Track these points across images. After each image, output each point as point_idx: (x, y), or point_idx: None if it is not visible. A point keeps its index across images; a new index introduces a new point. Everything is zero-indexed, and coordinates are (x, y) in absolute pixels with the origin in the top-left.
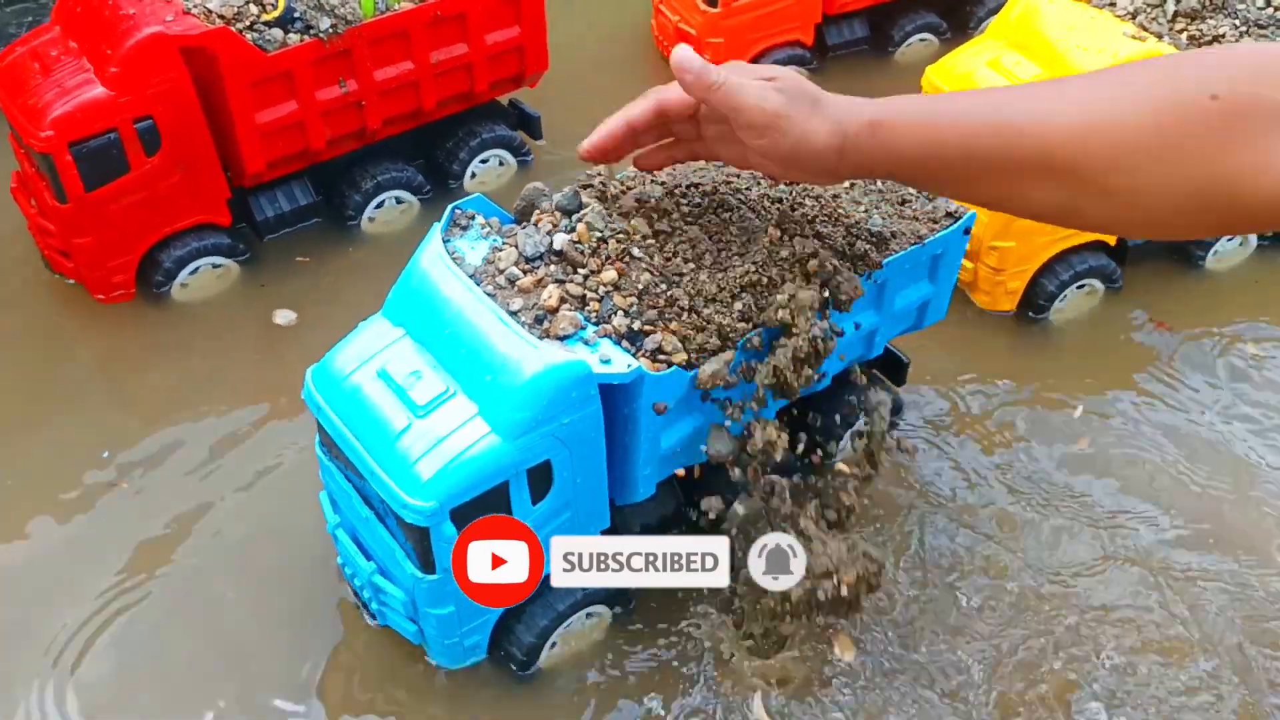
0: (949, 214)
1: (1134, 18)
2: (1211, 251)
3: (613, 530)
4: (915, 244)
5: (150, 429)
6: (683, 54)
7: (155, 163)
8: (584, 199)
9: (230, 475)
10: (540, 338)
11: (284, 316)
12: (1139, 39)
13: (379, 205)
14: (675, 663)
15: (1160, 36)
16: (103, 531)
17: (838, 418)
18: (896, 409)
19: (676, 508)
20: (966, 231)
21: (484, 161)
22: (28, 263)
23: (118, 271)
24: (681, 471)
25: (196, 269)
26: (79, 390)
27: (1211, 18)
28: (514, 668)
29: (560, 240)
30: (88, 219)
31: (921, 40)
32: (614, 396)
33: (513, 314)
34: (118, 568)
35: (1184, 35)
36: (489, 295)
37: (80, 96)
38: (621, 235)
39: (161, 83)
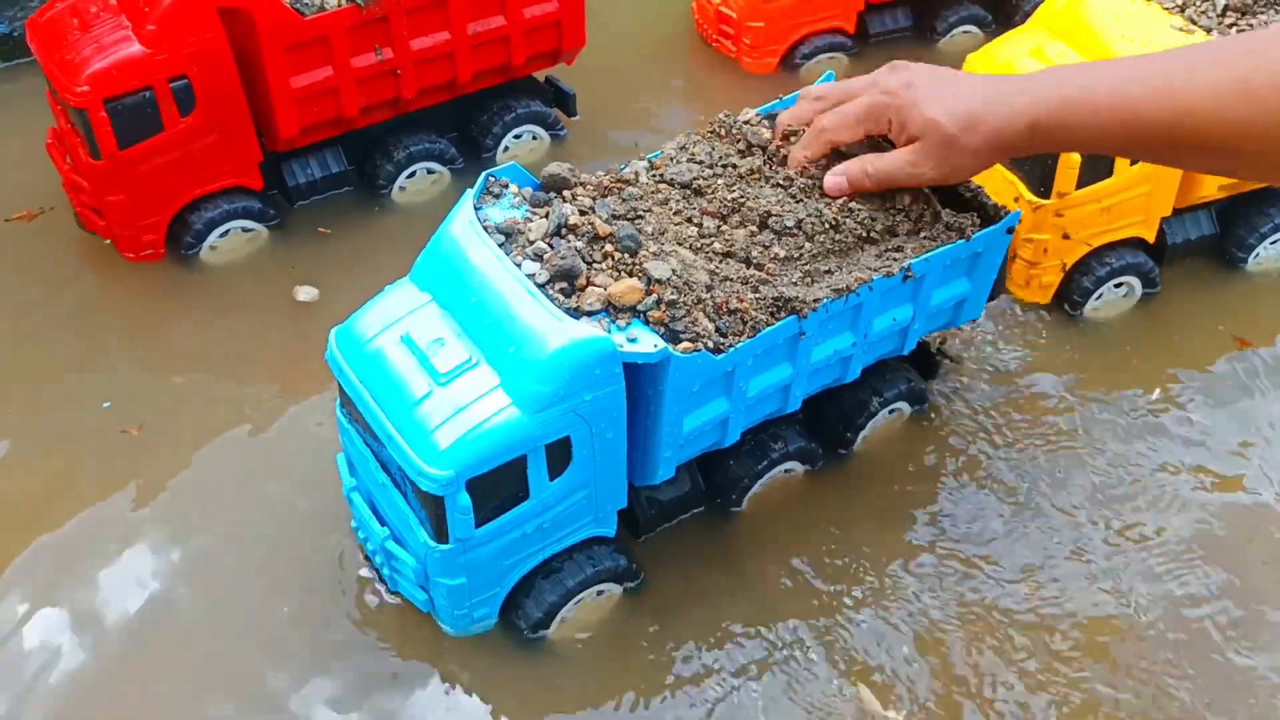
0: (990, 216)
1: (1182, 10)
2: (1254, 254)
3: (628, 510)
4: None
5: (167, 388)
6: (832, 184)
7: (189, 123)
8: (620, 177)
9: (241, 439)
10: (568, 312)
11: (306, 293)
12: (1186, 32)
13: (410, 175)
14: (687, 641)
15: (1209, 30)
16: (105, 479)
17: (871, 398)
18: (920, 400)
19: (694, 490)
20: (1009, 231)
21: (518, 136)
22: (61, 220)
23: (148, 231)
24: None
25: (226, 232)
26: (101, 347)
27: (1263, 12)
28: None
29: (593, 216)
30: (120, 177)
31: (966, 32)
32: (638, 377)
33: (540, 286)
34: (115, 516)
35: (1234, 29)
36: (517, 265)
37: (117, 53)
38: (655, 216)
39: (198, 42)
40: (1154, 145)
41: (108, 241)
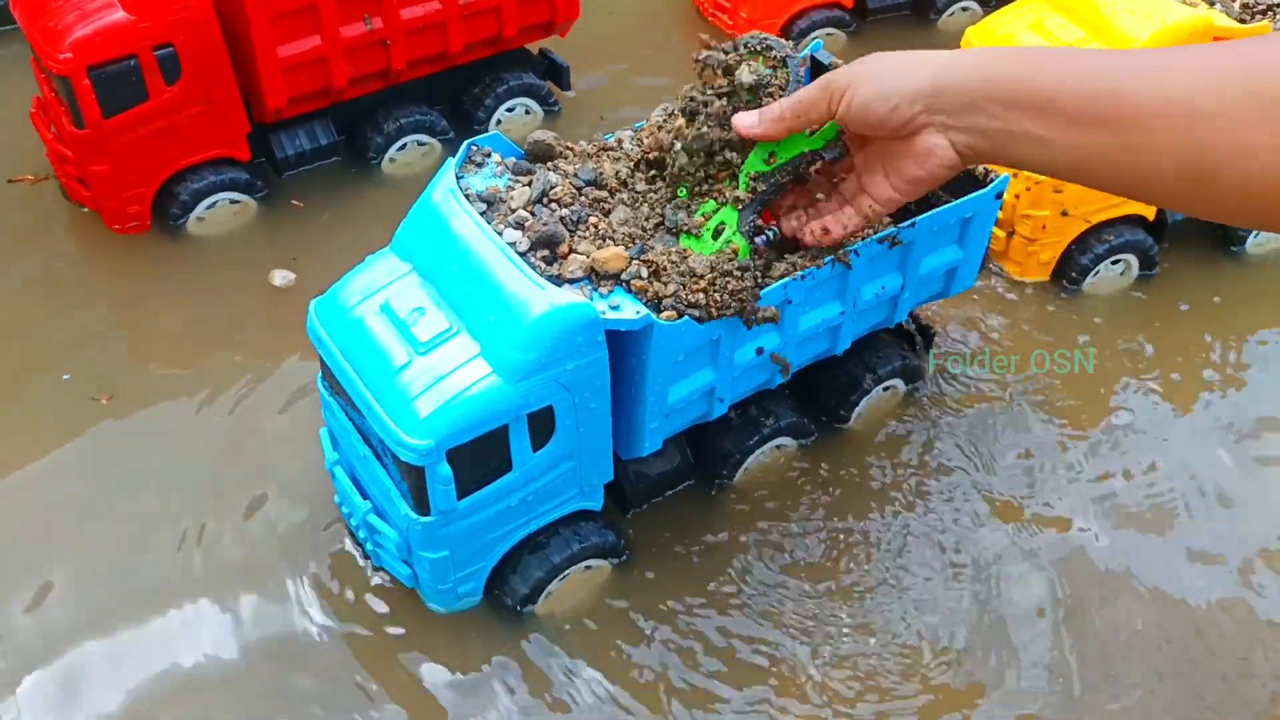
0: (979, 180)
1: None
2: (1254, 234)
3: (616, 485)
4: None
5: (149, 359)
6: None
7: (175, 92)
8: (605, 145)
9: (219, 410)
10: (550, 279)
11: (282, 277)
12: (1189, 4)
13: (401, 147)
14: (674, 615)
15: (1211, 3)
16: (70, 447)
17: (864, 374)
18: (915, 377)
19: (683, 464)
20: (998, 196)
21: (510, 109)
22: (46, 191)
23: (134, 202)
24: None
25: (214, 204)
26: (84, 318)
27: None
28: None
29: (577, 182)
30: (105, 146)
31: (964, 9)
32: (622, 345)
33: (522, 254)
34: (86, 486)
35: (1236, 3)
36: (498, 233)
37: (101, 20)
38: (634, 184)
39: (183, 9)
40: None
41: (91, 211)
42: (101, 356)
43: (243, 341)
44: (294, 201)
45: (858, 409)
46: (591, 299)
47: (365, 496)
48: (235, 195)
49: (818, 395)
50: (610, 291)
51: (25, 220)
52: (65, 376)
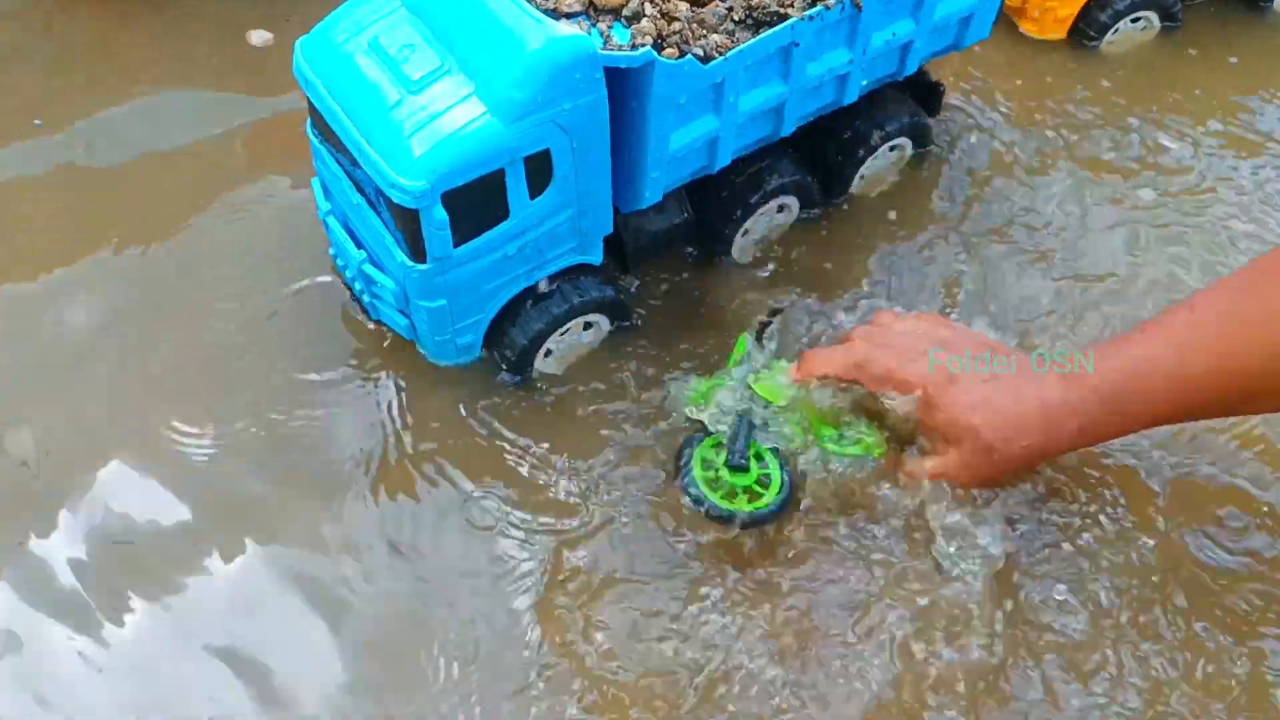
0: None
1: None
2: None
3: (616, 237)
4: None
5: (122, 108)
6: None
7: None
8: None
9: (192, 159)
10: (545, 13)
11: (259, 37)
12: None
13: None
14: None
15: None
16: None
17: (871, 130)
18: (924, 138)
19: (684, 220)
20: None
21: None
22: None
23: None
24: None
25: None
26: (62, 54)
27: None
28: (505, 369)
29: None
30: None
31: None
32: (622, 88)
33: None
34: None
35: None
36: None
37: None
38: None
39: None
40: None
41: None
42: (68, 104)
43: (224, 94)
44: None
45: (862, 168)
46: (590, 34)
47: (360, 246)
48: None
49: (824, 156)
50: (610, 27)
51: None
52: (36, 121)
